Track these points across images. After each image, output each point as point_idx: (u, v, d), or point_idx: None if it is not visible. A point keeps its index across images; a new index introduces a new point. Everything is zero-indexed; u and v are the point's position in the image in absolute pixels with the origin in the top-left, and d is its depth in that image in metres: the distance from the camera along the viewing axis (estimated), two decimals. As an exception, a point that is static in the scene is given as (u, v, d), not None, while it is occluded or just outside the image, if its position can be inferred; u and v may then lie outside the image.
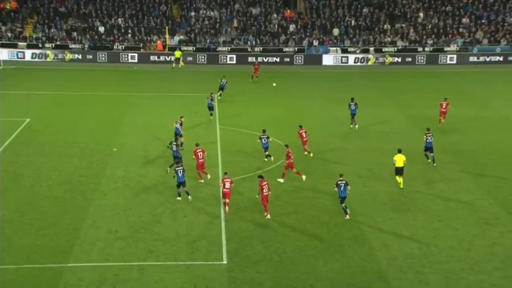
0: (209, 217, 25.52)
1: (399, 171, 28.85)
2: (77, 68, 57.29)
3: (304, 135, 32.72)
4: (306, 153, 32.81)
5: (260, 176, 26.01)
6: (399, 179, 28.89)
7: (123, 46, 62.45)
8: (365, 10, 67.46)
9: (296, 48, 63.18)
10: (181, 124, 32.99)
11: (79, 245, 22.80)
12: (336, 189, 25.59)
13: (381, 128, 38.66)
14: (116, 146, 33.89)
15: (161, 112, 42.39)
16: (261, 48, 63.20)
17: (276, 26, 65.65)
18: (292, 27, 65.58)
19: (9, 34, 62.09)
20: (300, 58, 62.01)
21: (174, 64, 58.66)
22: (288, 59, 61.64)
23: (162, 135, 36.71)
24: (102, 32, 63.62)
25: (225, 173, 27.18)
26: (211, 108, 39.42)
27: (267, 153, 31.85)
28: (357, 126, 37.88)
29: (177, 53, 59.36)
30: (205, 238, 23.70)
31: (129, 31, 63.99)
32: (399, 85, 52.32)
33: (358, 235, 24.31)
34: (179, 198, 26.94)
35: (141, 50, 62.42)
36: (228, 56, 61.95)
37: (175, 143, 30.51)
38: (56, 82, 50.90)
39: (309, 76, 56.26)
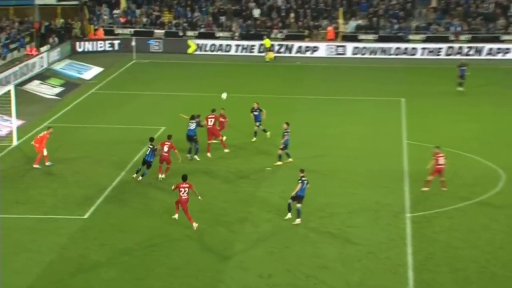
0: (390, 263, 25.19)
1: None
2: (223, 63, 59.52)
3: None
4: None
5: (184, 177, 27.57)
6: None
7: (284, 34, 63.88)
8: None
9: (520, 35, 60.85)
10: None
11: (222, 292, 23.49)
12: (300, 185, 27.89)
13: None
14: (270, 164, 34.58)
15: (329, 121, 42.73)
16: (470, 36, 61.53)
17: (492, 6, 63.58)
18: (515, 7, 63.30)
19: (144, 20, 66.07)
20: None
21: (266, 56, 59.37)
22: (507, 51, 59.39)
23: (331, 151, 36.97)
24: (257, 16, 65.54)
25: None
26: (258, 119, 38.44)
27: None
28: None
29: (267, 42, 59.93)
30: (386, 291, 23.46)
31: (292, 14, 65.32)
32: None
33: None
34: (134, 175, 32.03)
35: (306, 39, 63.44)
36: (421, 47, 61.04)
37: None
38: (196, 81, 53.21)
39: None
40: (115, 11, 66.94)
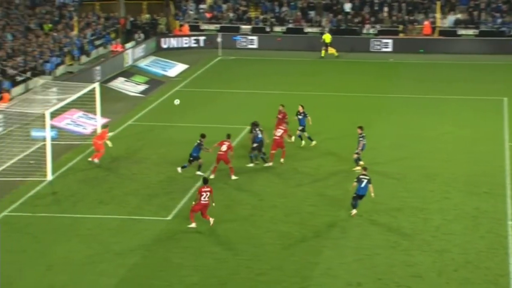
0: (490, 274, 24.74)
1: None
2: (311, 60, 59.51)
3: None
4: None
5: (205, 180, 28.55)
6: None
7: (375, 30, 63.42)
8: None
9: None
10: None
11: (309, 299, 23.55)
12: (355, 183, 28.71)
13: None
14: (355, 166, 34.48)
15: (425, 121, 42.24)
16: None
17: None
18: None
19: (231, 15, 66.69)
20: None
21: (323, 52, 59.20)
22: None
23: (426, 153, 36.56)
24: (349, 10, 65.28)
25: None
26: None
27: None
28: None
29: (327, 37, 59.47)
30: (486, 304, 23.15)
31: (385, 8, 64.78)
32: None
33: None
34: (179, 169, 33.17)
35: (400, 34, 62.83)
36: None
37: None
38: (283, 78, 53.33)
39: None
40: (201, 6, 67.82)
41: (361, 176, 28.93)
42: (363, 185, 28.74)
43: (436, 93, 48.50)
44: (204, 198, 27.85)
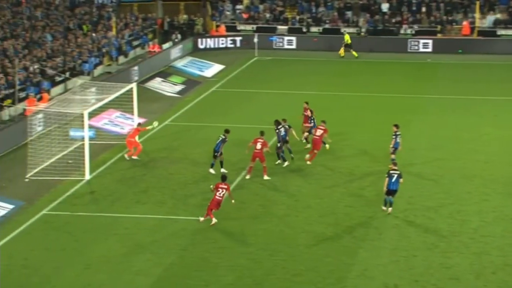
0: (530, 276, 24.55)
1: None
2: (349, 61, 59.38)
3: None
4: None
5: (223, 177, 28.74)
6: None
7: (413, 30, 63.10)
8: None
9: None
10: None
11: (345, 301, 23.51)
12: (386, 179, 28.78)
13: None
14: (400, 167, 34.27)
15: (464, 122, 41.99)
16: None
17: None
18: None
19: (267, 15, 66.80)
20: None
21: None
22: None
23: (464, 155, 36.34)
24: (386, 11, 65.06)
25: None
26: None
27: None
28: None
29: (347, 37, 59.35)
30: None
31: (423, 9, 64.46)
32: None
33: None
34: (211, 171, 33.28)
35: (438, 35, 62.49)
36: None
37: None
38: (319, 78, 53.38)
39: None
40: (238, 7, 68.02)
41: (391, 171, 29.16)
42: (393, 179, 28.90)
43: (474, 93, 48.19)
44: (220, 194, 27.99)
